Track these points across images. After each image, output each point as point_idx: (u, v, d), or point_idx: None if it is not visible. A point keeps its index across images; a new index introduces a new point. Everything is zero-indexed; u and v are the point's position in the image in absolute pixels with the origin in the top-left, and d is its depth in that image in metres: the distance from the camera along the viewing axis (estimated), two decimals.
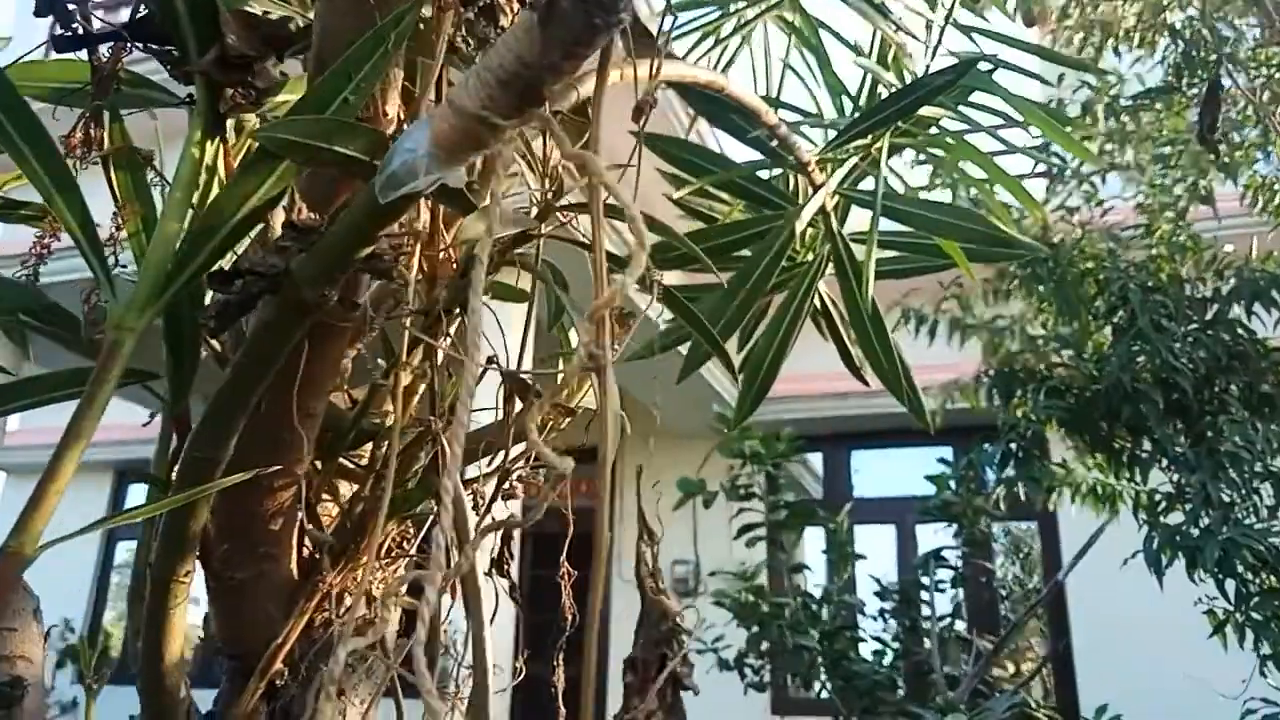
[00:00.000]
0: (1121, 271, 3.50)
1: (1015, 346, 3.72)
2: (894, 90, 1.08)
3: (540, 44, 0.41)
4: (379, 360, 0.78)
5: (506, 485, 0.78)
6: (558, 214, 0.73)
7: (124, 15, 0.70)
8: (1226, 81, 3.63)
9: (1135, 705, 5.05)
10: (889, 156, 1.10)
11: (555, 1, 0.38)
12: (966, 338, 3.92)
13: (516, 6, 0.63)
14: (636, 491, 0.85)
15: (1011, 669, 4.06)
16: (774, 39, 1.33)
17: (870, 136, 1.07)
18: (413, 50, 0.64)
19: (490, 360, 0.69)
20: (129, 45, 0.66)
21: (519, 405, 0.74)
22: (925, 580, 3.70)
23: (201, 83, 0.62)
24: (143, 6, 0.64)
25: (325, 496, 0.80)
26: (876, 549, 6.87)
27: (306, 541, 0.78)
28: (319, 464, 0.77)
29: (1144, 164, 3.73)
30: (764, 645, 3.74)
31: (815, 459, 7.52)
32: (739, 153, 1.22)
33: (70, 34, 0.65)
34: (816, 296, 1.21)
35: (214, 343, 0.75)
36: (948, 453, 4.84)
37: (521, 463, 0.78)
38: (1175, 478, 3.26)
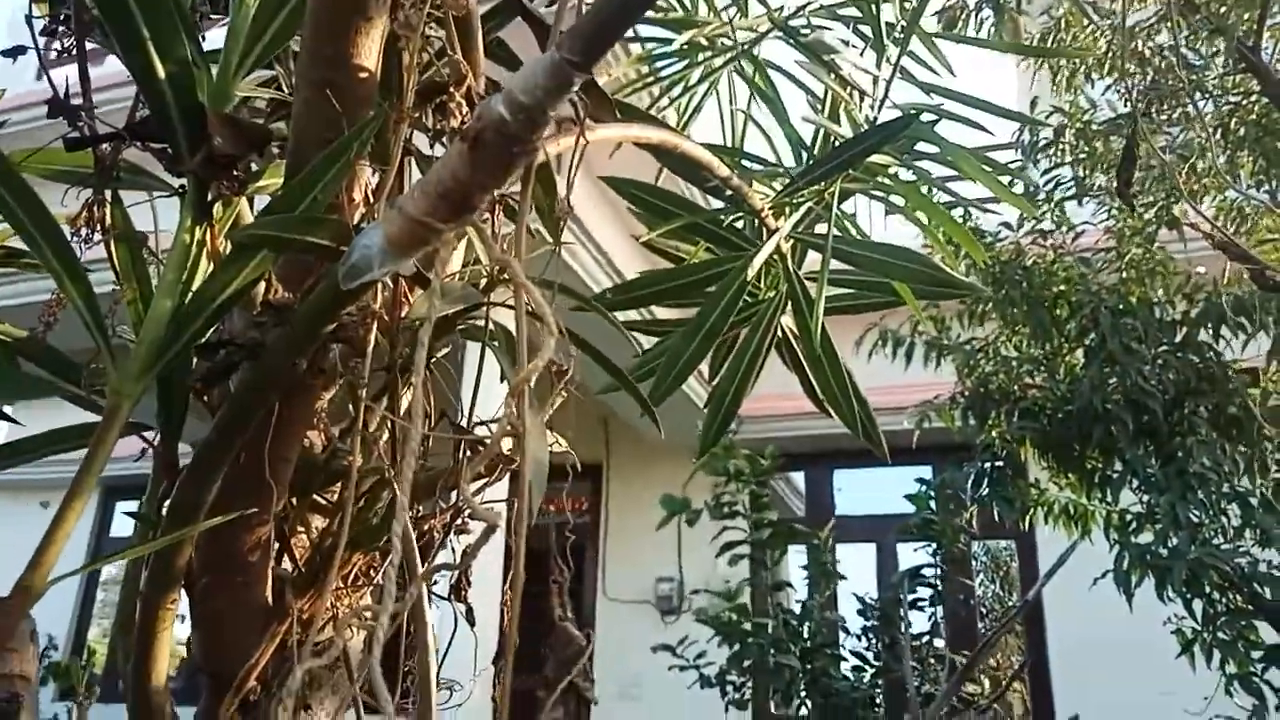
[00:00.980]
0: (1092, 295, 3.57)
1: (989, 368, 3.78)
2: (842, 141, 1.15)
3: (470, 167, 0.47)
4: (349, 407, 0.85)
5: (459, 521, 0.85)
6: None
7: (113, 78, 0.76)
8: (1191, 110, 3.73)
9: (1109, 719, 5.11)
10: (840, 201, 1.17)
11: (480, 134, 0.45)
12: (942, 359, 3.98)
13: (465, 108, 0.70)
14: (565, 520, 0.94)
15: (989, 685, 4.11)
16: (739, 88, 1.40)
17: (823, 184, 1.14)
18: (375, 147, 0.71)
19: (442, 414, 0.76)
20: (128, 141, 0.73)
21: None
22: (903, 598, 3.76)
23: (192, 178, 0.69)
24: (141, 108, 0.70)
25: (300, 529, 0.86)
26: (858, 567, 6.91)
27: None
28: (294, 500, 0.84)
29: (1112, 188, 3.82)
30: (745, 663, 3.78)
31: (798, 477, 7.58)
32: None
33: (79, 135, 0.72)
34: (779, 330, 1.27)
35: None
36: (928, 472, 4.90)
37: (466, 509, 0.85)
38: (1145, 498, 3.32)
